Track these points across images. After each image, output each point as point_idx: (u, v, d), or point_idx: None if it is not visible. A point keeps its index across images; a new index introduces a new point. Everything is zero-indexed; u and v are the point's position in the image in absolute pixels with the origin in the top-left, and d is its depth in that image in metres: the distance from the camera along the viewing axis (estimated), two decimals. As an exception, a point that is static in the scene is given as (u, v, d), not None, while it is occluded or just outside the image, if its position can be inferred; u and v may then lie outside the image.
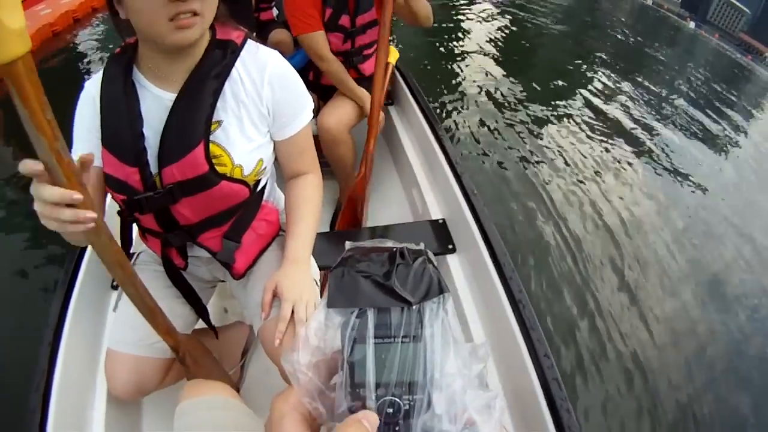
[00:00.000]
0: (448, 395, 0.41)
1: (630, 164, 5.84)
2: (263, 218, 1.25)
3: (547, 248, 3.78)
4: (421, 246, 0.46)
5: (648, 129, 7.46)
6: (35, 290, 2.82)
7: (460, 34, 10.73)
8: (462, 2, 13.91)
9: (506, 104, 6.59)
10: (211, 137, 1.05)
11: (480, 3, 14.06)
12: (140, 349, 1.23)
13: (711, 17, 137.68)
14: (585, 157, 5.57)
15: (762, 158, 9.00)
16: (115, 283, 1.64)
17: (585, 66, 10.59)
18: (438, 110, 5.67)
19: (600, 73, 10.20)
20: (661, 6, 74.48)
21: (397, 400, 0.39)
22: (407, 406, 0.39)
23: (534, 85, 7.88)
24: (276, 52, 1.13)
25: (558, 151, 5.53)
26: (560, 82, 8.54)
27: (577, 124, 6.61)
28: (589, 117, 7.05)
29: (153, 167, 1.05)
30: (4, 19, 0.50)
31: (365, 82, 2.22)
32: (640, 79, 10.83)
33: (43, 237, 3.12)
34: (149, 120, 1.04)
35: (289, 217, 1.23)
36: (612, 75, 10.27)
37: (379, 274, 0.41)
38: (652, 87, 10.57)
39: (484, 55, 8.97)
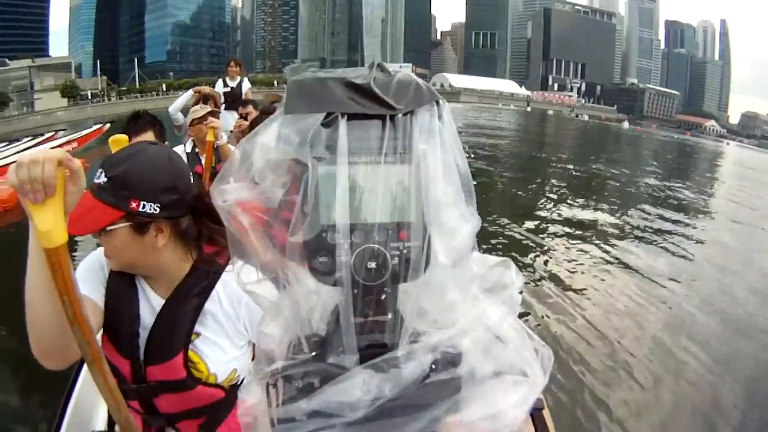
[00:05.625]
0: (451, 241, 0.31)
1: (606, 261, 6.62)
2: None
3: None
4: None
5: (617, 226, 8.53)
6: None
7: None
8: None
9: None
10: (191, 346, 1.18)
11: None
12: None
13: (647, 111, 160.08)
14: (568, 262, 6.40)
15: (733, 216, 10.46)
16: None
17: (545, 186, 11.53)
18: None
19: (559, 188, 11.16)
20: (599, 118, 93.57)
21: (382, 249, 0.30)
22: (395, 259, 0.30)
23: (500, 204, 8.91)
24: None
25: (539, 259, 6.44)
26: (525, 202, 9.62)
27: (550, 235, 7.51)
28: (561, 227, 7.99)
29: (142, 357, 1.18)
30: (58, 220, 0.82)
31: None
32: (602, 186, 11.89)
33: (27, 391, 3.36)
34: (144, 318, 1.18)
35: None
36: (570, 189, 11.24)
37: (354, 77, 0.31)
38: (611, 188, 11.62)
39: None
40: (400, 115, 0.31)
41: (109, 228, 1.08)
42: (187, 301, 1.19)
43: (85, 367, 1.30)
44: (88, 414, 1.89)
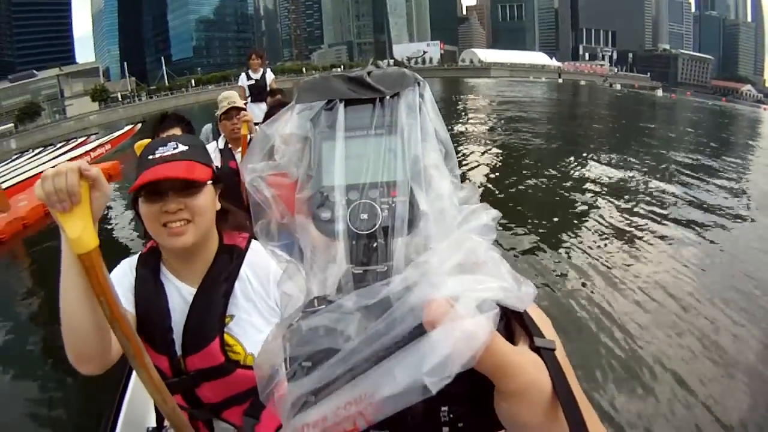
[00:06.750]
0: (434, 198, 0.36)
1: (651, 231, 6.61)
2: None
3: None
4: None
5: (660, 191, 8.51)
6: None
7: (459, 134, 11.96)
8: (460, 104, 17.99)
9: (517, 195, 7.70)
10: (225, 329, 1.24)
11: (474, 102, 17.76)
12: None
13: (682, 77, 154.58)
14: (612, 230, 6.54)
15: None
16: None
17: (583, 154, 11.41)
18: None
19: (598, 155, 11.03)
20: (632, 86, 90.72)
21: (373, 203, 0.34)
22: (385, 212, 0.34)
23: (541, 179, 8.97)
24: None
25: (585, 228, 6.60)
26: (565, 172, 9.52)
27: (593, 207, 7.56)
28: (603, 197, 7.97)
29: (179, 350, 1.23)
30: (87, 225, 0.89)
31: None
32: (636, 153, 11.65)
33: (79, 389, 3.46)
34: (175, 312, 1.24)
35: None
36: (609, 156, 11.13)
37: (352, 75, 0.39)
38: (649, 156, 11.44)
39: (485, 158, 9.93)
40: (387, 97, 0.36)
41: (209, 182, 1.24)
42: (217, 286, 1.26)
43: None
44: (142, 411, 1.94)
